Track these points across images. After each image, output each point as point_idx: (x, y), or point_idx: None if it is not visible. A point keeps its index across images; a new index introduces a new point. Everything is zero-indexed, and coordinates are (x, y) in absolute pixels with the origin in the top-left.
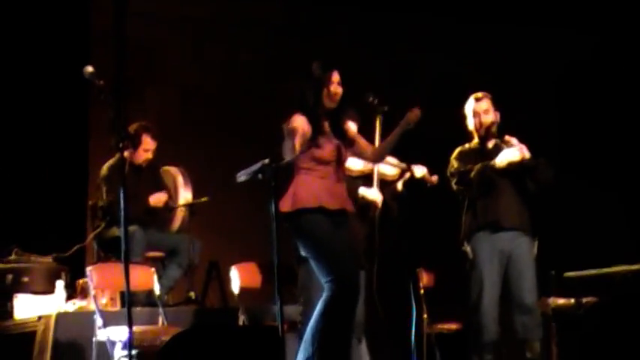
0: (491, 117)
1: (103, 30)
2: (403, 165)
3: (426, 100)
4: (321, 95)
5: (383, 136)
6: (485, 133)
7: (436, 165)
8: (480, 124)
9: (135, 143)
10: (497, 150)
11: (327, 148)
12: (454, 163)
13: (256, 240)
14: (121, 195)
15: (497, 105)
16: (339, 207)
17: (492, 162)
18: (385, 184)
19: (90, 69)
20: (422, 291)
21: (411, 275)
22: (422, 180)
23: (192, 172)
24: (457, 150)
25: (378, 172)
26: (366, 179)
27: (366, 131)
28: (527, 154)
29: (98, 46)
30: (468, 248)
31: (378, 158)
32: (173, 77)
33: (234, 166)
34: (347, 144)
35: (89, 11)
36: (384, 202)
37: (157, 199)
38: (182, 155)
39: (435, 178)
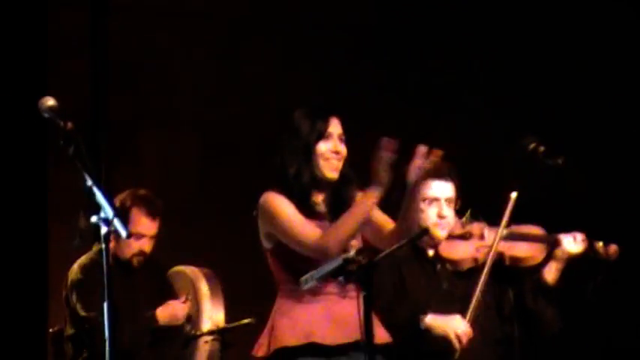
0: None
1: (69, 37)
2: (547, 237)
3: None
4: (309, 160)
5: None
6: None
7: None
8: None
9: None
10: None
11: None
12: None
13: None
14: (106, 313)
15: None
16: (345, 340)
17: None
18: (521, 272)
19: (50, 102)
20: None
21: None
22: (588, 257)
23: (224, 271)
24: None
25: (502, 251)
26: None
27: None
28: None
29: (63, 65)
30: None
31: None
32: (187, 114)
33: None
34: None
35: (48, 9)
36: (535, 318)
37: (171, 311)
38: (204, 244)
39: (613, 249)
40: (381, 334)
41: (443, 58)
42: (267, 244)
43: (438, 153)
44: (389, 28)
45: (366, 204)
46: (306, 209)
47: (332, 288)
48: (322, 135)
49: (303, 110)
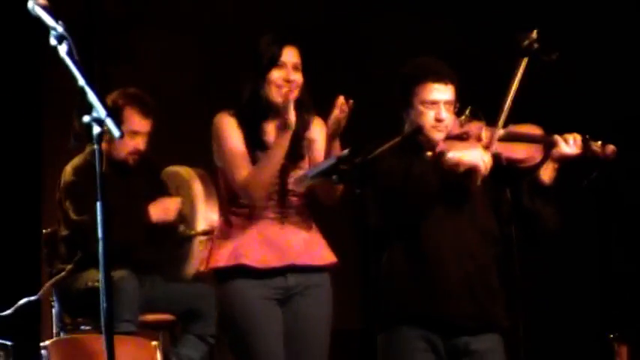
0: None
1: None
2: (545, 137)
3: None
4: (260, 86)
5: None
6: None
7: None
8: None
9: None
10: None
11: None
12: None
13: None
14: (99, 213)
15: None
16: (277, 264)
17: None
18: (518, 173)
19: (40, 0)
20: None
21: (603, 348)
22: (585, 157)
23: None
24: None
25: (499, 152)
26: None
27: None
28: None
29: None
30: None
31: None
32: (179, 15)
33: None
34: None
35: None
36: (528, 209)
37: (162, 206)
38: (199, 144)
39: (610, 149)
40: (326, 255)
41: None
42: (217, 163)
43: (350, 104)
44: None
45: (280, 147)
46: (254, 137)
47: (270, 212)
48: (274, 63)
49: (263, 38)
